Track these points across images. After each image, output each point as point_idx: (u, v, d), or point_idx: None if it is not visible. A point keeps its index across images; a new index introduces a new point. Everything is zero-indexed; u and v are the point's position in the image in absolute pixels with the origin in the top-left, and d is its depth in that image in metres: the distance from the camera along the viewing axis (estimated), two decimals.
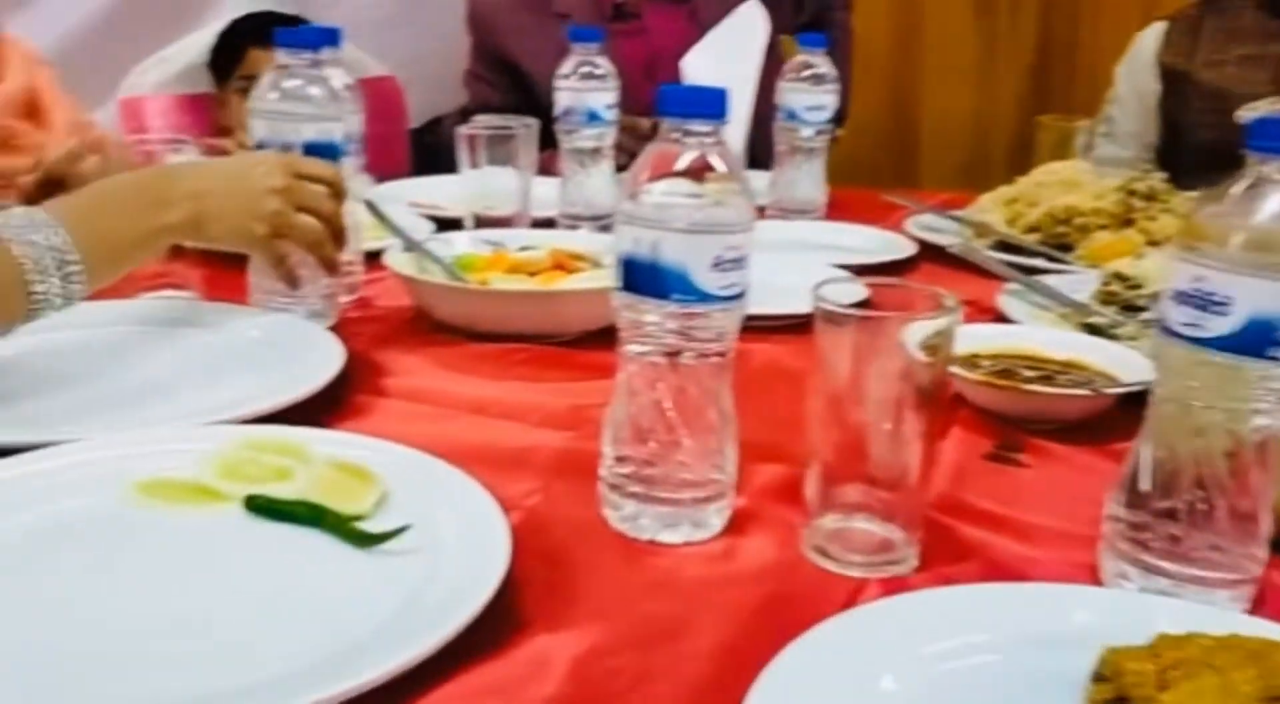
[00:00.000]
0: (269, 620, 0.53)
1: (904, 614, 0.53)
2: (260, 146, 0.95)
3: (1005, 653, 0.51)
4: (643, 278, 0.60)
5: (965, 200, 1.55)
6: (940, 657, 0.50)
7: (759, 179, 1.70)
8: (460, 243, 1.11)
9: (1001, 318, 1.06)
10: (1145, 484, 0.59)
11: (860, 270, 1.21)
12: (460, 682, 0.50)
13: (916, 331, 0.60)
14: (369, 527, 0.60)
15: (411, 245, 1.05)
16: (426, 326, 1.01)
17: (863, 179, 2.39)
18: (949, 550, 0.65)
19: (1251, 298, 0.53)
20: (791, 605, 0.59)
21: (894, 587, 0.60)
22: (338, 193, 0.93)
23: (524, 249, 1.11)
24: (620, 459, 0.64)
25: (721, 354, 0.63)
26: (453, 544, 0.58)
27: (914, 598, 0.55)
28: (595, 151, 1.38)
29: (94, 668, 0.49)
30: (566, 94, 1.36)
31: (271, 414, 0.73)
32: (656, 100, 0.61)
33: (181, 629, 0.52)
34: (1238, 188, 0.55)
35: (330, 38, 1.06)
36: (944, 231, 1.43)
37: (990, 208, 1.40)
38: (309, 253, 0.90)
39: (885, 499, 0.62)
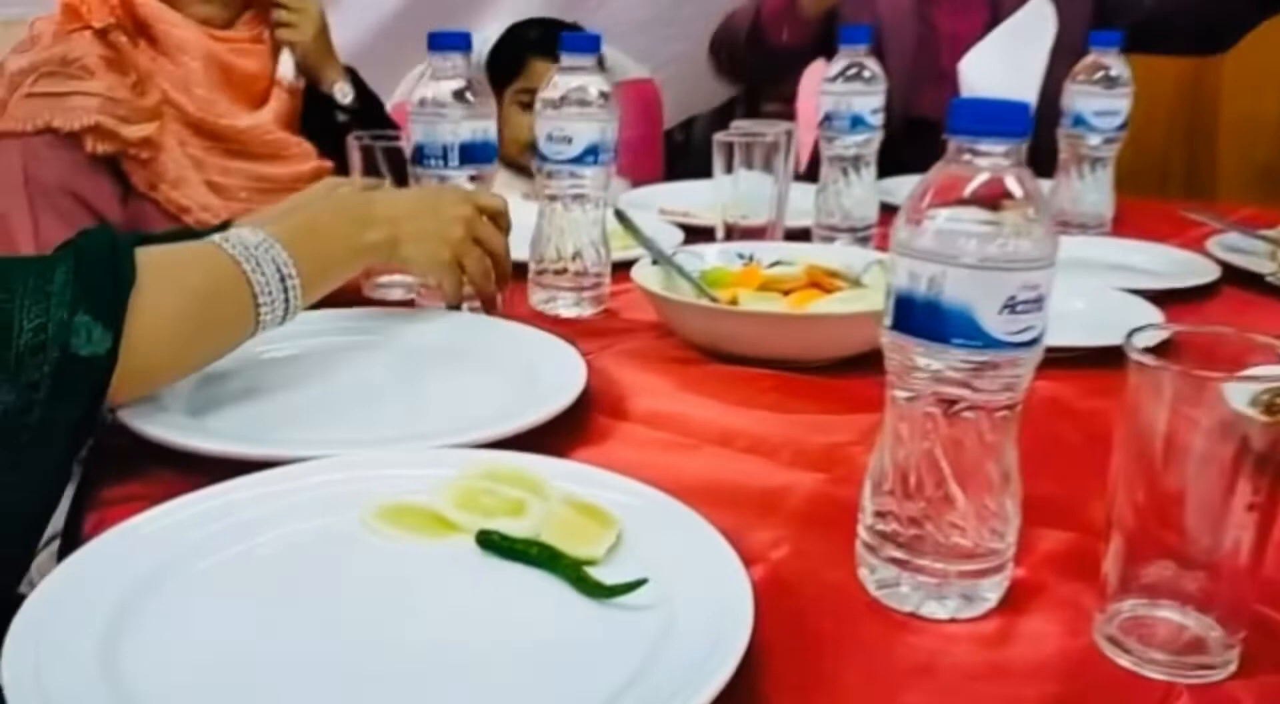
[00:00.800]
0: (490, 666, 0.50)
1: None
2: (418, 147, 0.97)
3: None
4: (919, 317, 0.53)
5: (1276, 217, 1.37)
6: None
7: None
8: (710, 256, 1.06)
9: None
10: None
11: (1154, 295, 1.08)
12: None
13: (1250, 388, 0.50)
14: (601, 573, 0.55)
15: (660, 258, 1.01)
16: (673, 344, 0.96)
17: (1150, 187, 2.19)
18: (1277, 655, 0.54)
19: None
20: None
21: (1209, 699, 0.51)
22: (504, 227, 0.95)
23: (777, 264, 1.05)
24: (881, 515, 0.57)
25: (1009, 407, 0.55)
26: (690, 604, 0.52)
27: None
28: (858, 159, 1.30)
29: (315, 691, 0.47)
30: (830, 98, 1.29)
31: (511, 437, 0.71)
32: (948, 113, 0.53)
33: (400, 666, 0.49)
34: None
35: (591, 44, 1.04)
36: (1252, 254, 1.26)
37: None
38: (474, 285, 0.93)
39: (1201, 584, 0.52)
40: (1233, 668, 0.52)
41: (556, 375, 0.80)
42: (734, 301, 0.96)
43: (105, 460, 0.71)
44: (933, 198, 0.53)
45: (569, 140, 0.97)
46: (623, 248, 1.12)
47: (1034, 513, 0.64)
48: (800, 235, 1.31)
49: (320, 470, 0.63)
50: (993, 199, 0.52)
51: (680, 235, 1.29)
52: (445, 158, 0.94)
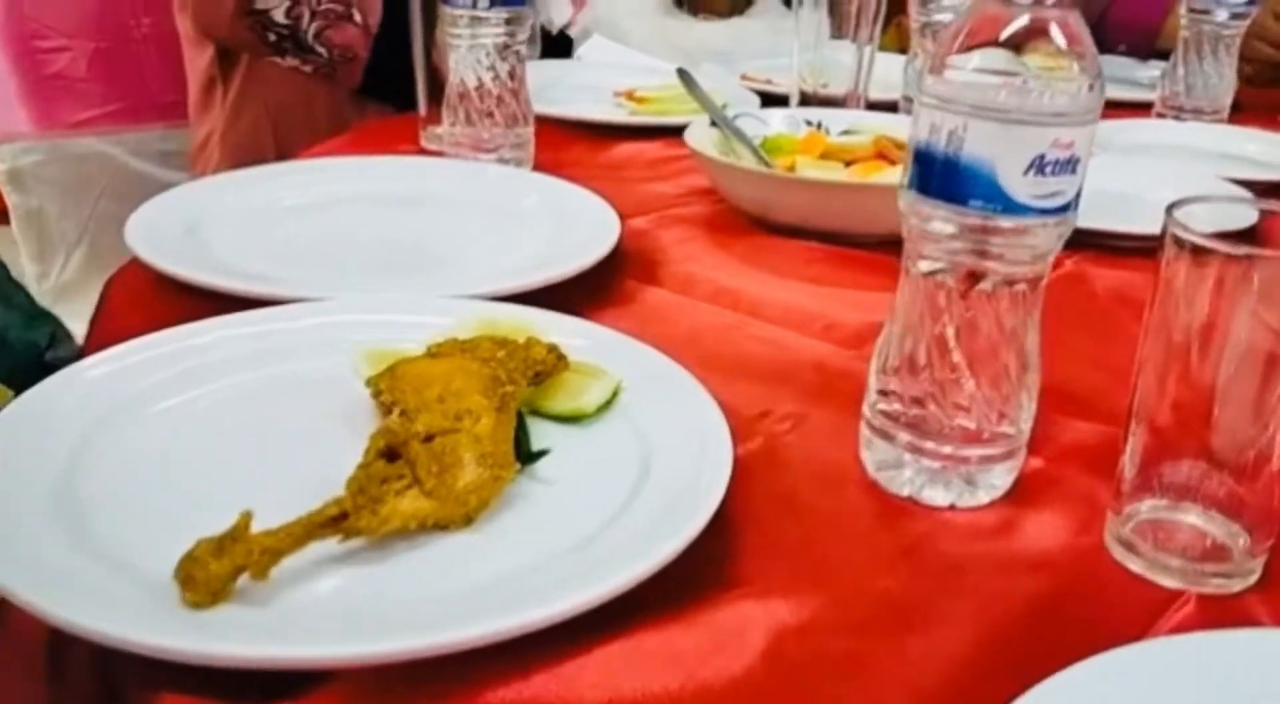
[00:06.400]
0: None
1: (1217, 655, 0.40)
2: None
3: None
4: (937, 175, 0.48)
5: None
6: None
7: (1150, 69, 1.45)
8: (774, 121, 1.00)
9: None
10: None
11: (1259, 187, 0.99)
12: (631, 641, 0.42)
13: None
14: (591, 430, 0.54)
15: (718, 119, 0.96)
16: (725, 211, 0.92)
17: None
18: None
19: None
20: (1074, 610, 0.46)
21: (1219, 610, 0.46)
22: None
23: (846, 133, 0.99)
24: (884, 393, 0.53)
25: (1030, 281, 0.50)
26: (668, 473, 0.50)
27: (1242, 637, 0.41)
28: None
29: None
30: None
31: (528, 292, 0.68)
32: None
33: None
34: None
35: None
36: None
37: None
38: None
39: (1230, 487, 0.48)
40: (1254, 579, 0.48)
41: (587, 234, 0.77)
42: (791, 168, 0.91)
43: (124, 291, 0.71)
44: (963, 40, 0.47)
45: None
46: (690, 112, 1.07)
47: (1065, 401, 0.60)
48: (887, 108, 1.23)
49: (310, 313, 0.62)
50: (1030, 45, 0.47)
51: (756, 101, 1.23)
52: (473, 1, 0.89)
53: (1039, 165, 0.46)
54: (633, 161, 1.07)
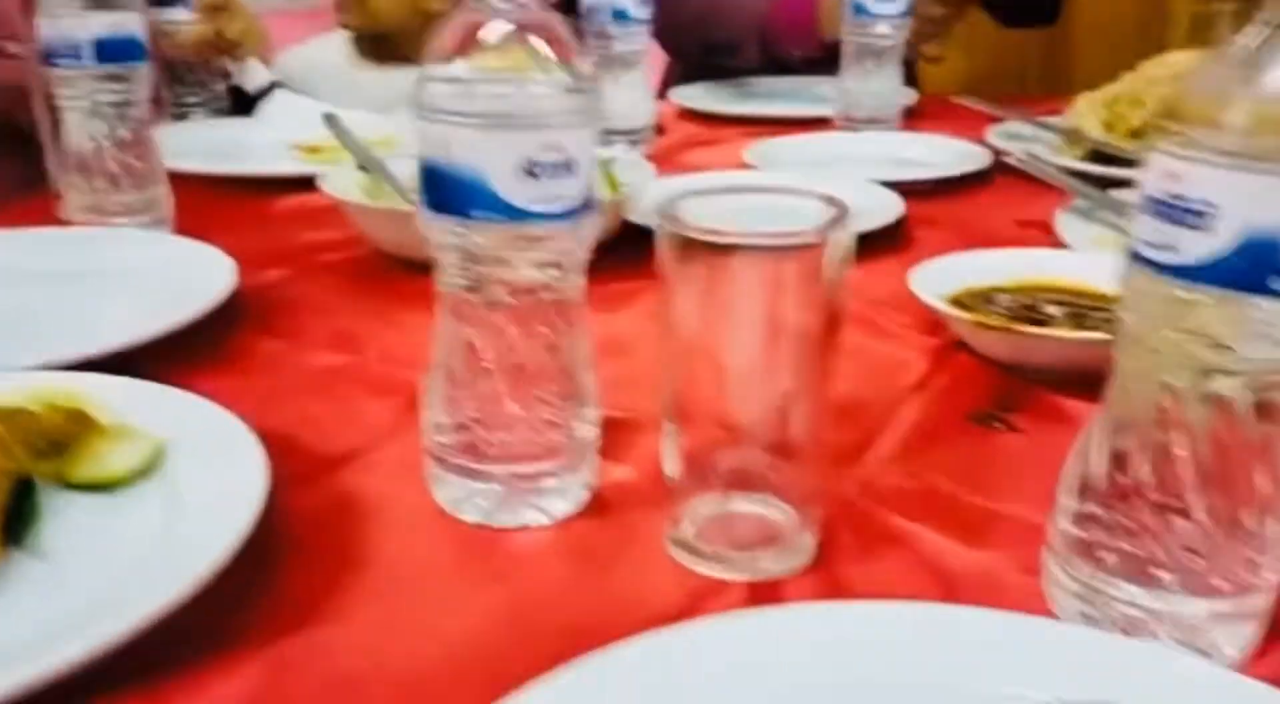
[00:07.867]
0: None
1: (710, 642, 0.38)
2: (47, 49, 0.85)
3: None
4: (439, 189, 0.46)
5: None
6: None
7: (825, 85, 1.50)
8: None
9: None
10: (1099, 465, 0.42)
11: (914, 187, 1.03)
12: None
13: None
14: (126, 498, 0.49)
15: (366, 163, 0.93)
16: (374, 255, 0.89)
17: (1008, 83, 2.14)
18: (867, 542, 0.49)
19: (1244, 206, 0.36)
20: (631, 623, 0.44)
21: (771, 593, 0.46)
22: None
23: None
24: (437, 425, 0.51)
25: (553, 288, 0.48)
26: (188, 536, 0.46)
27: (727, 623, 0.40)
28: (626, 58, 1.23)
29: None
30: None
31: (127, 355, 0.63)
32: None
33: None
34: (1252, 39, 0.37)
35: None
36: (1033, 141, 1.22)
37: (1087, 111, 1.18)
38: None
39: (777, 467, 0.47)
40: (808, 556, 0.48)
41: (201, 292, 0.73)
42: None
43: None
44: (444, 50, 0.46)
45: None
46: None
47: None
48: None
49: None
50: (511, 49, 0.46)
51: None
52: (78, 56, 0.84)
53: (530, 169, 0.45)
54: (295, 214, 1.03)
